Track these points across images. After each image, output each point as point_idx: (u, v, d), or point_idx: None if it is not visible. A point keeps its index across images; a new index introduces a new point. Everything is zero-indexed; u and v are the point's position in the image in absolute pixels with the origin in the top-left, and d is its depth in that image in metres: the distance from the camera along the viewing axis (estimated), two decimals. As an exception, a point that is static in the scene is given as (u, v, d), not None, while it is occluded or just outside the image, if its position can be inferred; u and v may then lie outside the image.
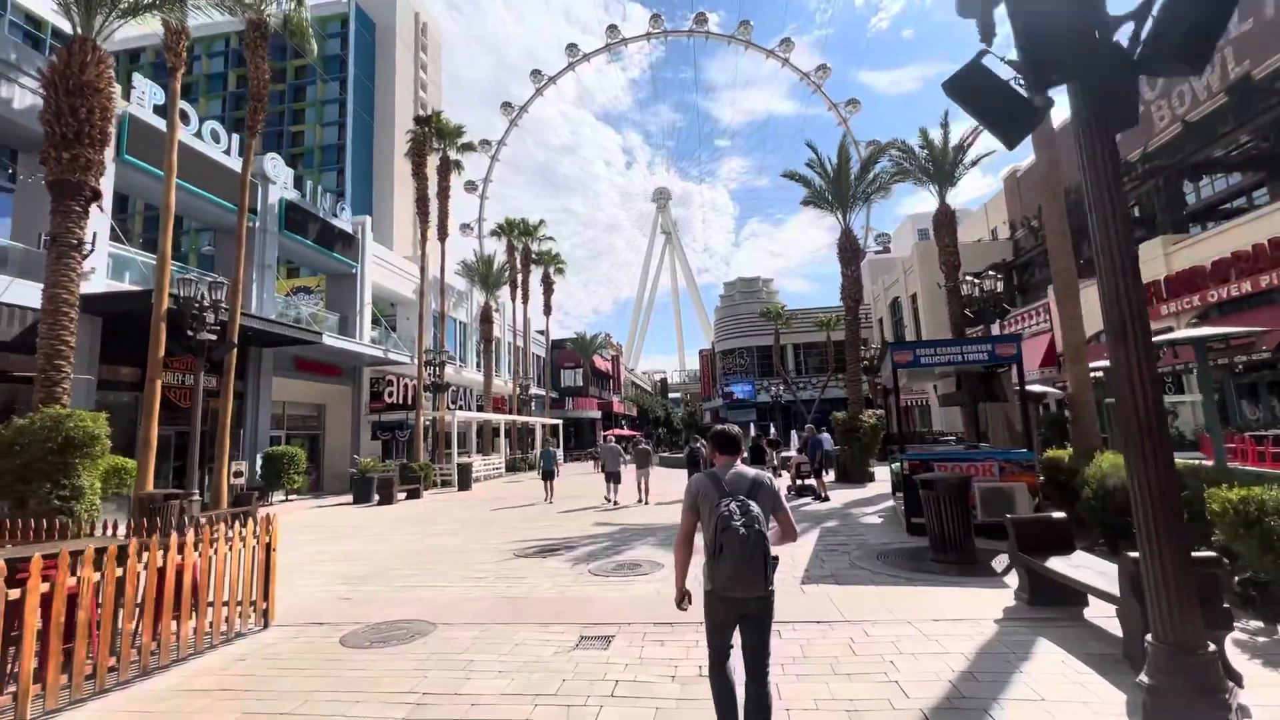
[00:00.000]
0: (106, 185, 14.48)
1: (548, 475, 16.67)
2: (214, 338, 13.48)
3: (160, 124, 15.82)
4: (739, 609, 2.85)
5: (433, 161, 26.72)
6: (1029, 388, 9.46)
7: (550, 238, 38.47)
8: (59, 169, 9.19)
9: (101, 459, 9.24)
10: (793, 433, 32.49)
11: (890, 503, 12.47)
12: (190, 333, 12.89)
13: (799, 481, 14.98)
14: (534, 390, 40.38)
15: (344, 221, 23.79)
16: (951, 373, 10.52)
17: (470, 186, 56.66)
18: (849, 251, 18.65)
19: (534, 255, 39.24)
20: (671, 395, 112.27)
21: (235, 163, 18.71)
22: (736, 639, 2.97)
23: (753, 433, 35.91)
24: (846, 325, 18.80)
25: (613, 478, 14.97)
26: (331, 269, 24.32)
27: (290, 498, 19.17)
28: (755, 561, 2.70)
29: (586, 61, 61.50)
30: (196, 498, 12.74)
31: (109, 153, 14.64)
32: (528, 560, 8.32)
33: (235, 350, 14.20)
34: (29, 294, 12.97)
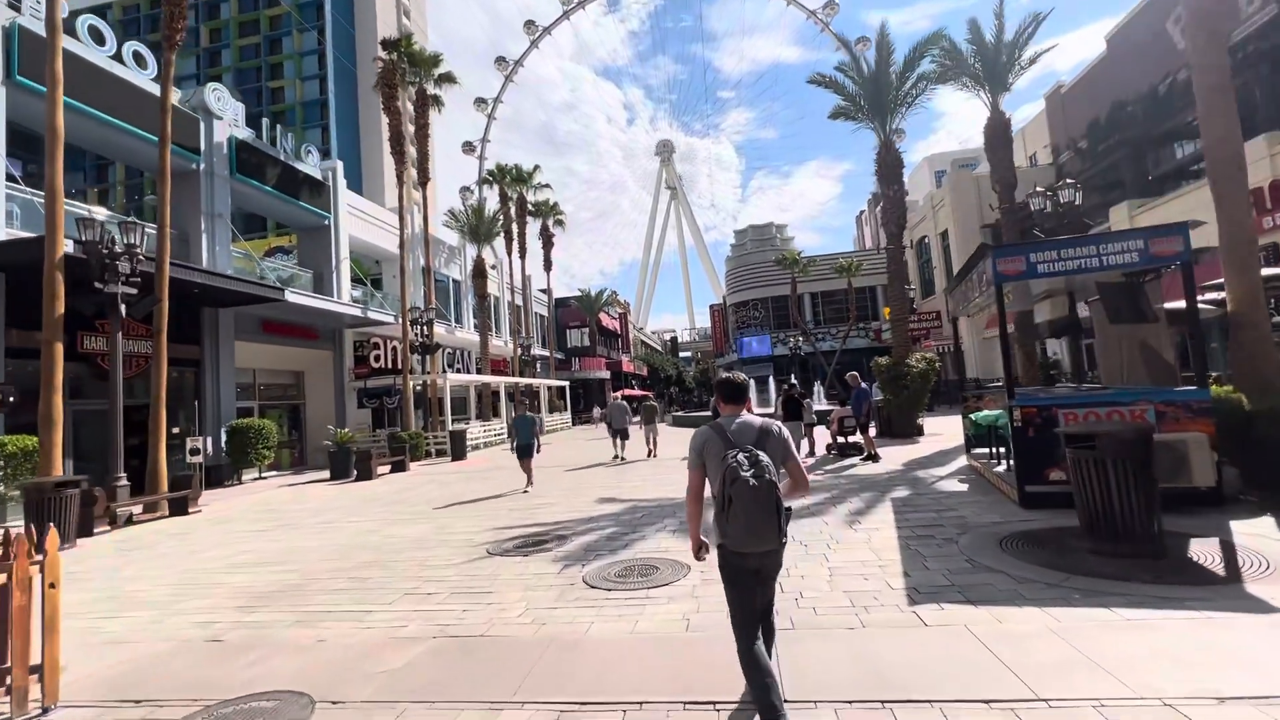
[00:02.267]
0: (-8, 111, 11.98)
1: (524, 453, 11.01)
2: (134, 291, 11.25)
3: (71, 44, 13.22)
4: (752, 563, 2.67)
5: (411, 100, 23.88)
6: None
7: (546, 185, 35.56)
8: None
9: (-56, 442, 7.05)
10: (816, 385, 30.11)
11: (962, 461, 10.15)
12: (99, 285, 10.63)
13: (840, 440, 12.66)
14: (537, 351, 38.15)
15: (311, 166, 21.15)
16: (1061, 290, 7.99)
17: (468, 148, 53.17)
18: (890, 167, 15.81)
19: (530, 206, 36.43)
20: (682, 354, 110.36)
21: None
22: None
23: (763, 385, 33.64)
24: (889, 256, 16.11)
25: (620, 434, 15.35)
26: (300, 221, 21.81)
27: (264, 475, 17.20)
28: (768, 513, 2.53)
29: (582, 9, 56.89)
30: (124, 482, 10.71)
31: (-5, 73, 12.15)
32: (503, 560, 6.10)
33: (163, 306, 11.91)
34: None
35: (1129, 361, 7.49)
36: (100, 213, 13.77)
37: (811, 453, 12.98)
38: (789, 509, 2.61)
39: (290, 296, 16.54)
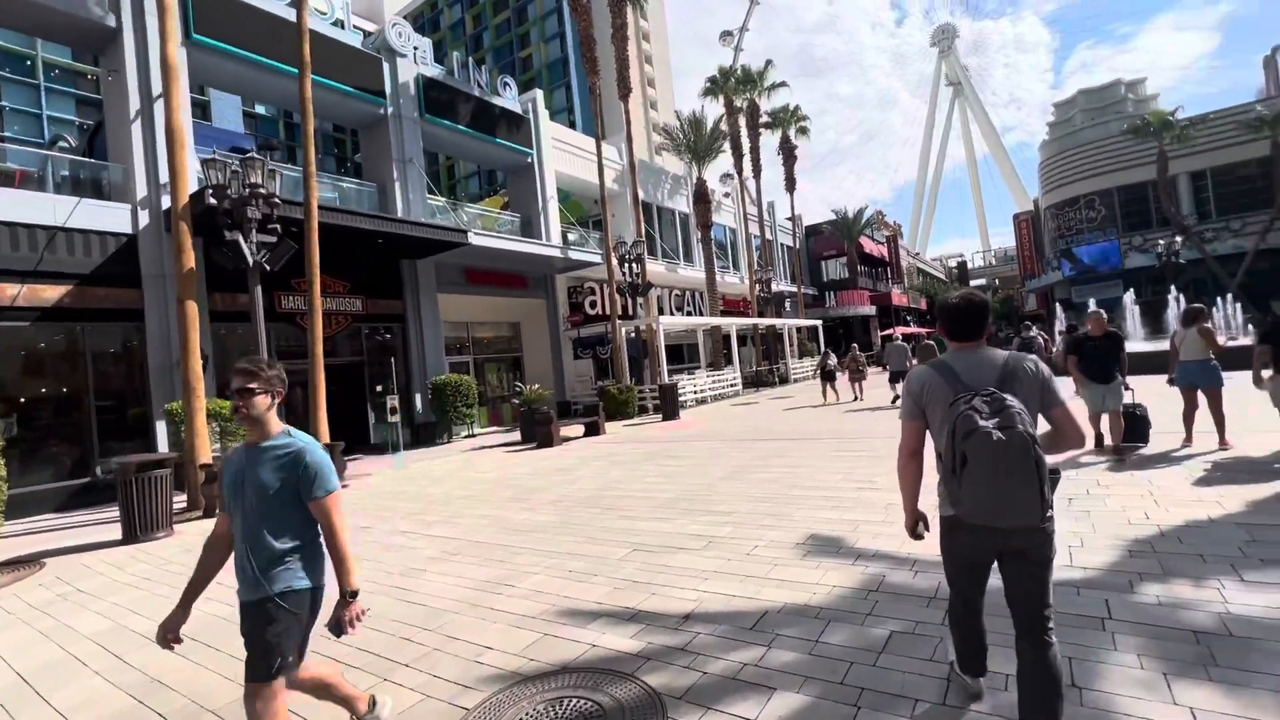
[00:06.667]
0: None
1: None
2: (273, 239, 10.01)
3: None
4: (996, 543, 1.96)
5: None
6: None
7: (783, 84, 29.33)
8: None
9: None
10: (1220, 304, 19.17)
11: None
12: (227, 233, 9.49)
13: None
14: (781, 286, 32.93)
15: (509, 100, 19.38)
16: None
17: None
18: None
19: (766, 116, 30.83)
20: (975, 282, 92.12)
21: (351, 36, 15.28)
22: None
23: (1114, 312, 23.15)
24: None
25: (898, 378, 14.42)
26: (502, 161, 20.42)
27: (475, 433, 16.27)
28: (1022, 475, 1.78)
29: None
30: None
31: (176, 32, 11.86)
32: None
33: (312, 255, 10.58)
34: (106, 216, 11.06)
35: None
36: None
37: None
38: (1056, 472, 1.88)
39: (474, 239, 14.82)
